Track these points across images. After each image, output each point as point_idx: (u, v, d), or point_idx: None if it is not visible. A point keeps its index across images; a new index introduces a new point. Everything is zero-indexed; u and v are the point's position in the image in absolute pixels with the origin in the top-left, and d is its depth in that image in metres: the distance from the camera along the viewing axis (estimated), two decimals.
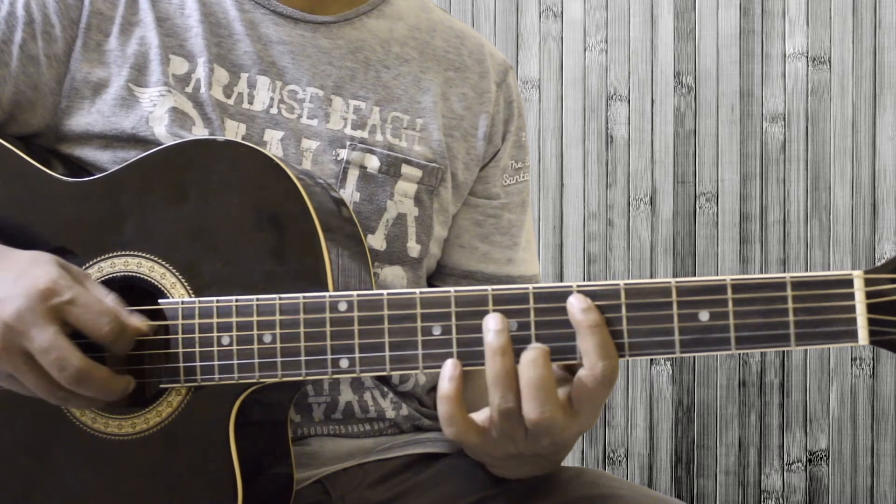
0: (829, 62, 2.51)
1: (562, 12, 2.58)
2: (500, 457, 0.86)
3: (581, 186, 2.57)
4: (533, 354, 0.79)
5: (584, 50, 2.58)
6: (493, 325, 0.79)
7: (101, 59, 0.99)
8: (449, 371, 0.80)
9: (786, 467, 2.51)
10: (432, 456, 1.07)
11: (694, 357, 2.52)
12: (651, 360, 2.54)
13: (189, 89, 1.00)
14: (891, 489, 2.48)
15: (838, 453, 2.49)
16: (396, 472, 1.04)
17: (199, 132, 0.98)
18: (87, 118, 0.98)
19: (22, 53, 0.97)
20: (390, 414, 1.05)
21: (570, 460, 2.54)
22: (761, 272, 2.52)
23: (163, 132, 0.97)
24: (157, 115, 0.98)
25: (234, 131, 1.00)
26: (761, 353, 2.49)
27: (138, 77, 0.99)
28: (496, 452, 0.84)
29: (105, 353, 0.87)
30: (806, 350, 2.48)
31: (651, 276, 2.54)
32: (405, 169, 1.05)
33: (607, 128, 2.57)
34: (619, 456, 2.54)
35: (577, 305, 0.79)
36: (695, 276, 2.50)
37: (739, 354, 2.50)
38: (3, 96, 0.97)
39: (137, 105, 0.98)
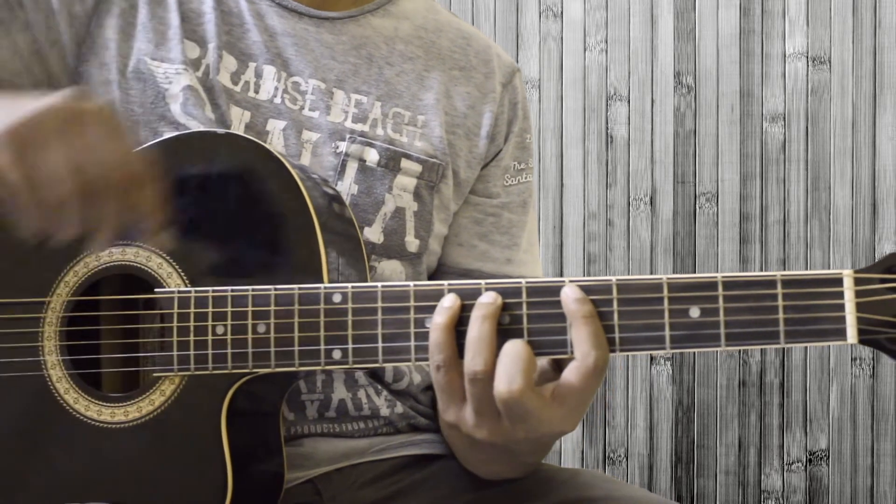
0: (829, 62, 2.52)
1: (562, 12, 2.58)
2: (471, 438, 0.84)
3: (581, 186, 2.57)
4: (517, 340, 0.80)
5: (584, 50, 2.58)
6: (484, 299, 0.81)
7: (125, 31, 1.00)
8: (447, 302, 0.81)
9: (786, 467, 2.51)
10: (428, 457, 1.07)
11: (694, 357, 2.52)
12: (651, 359, 2.54)
13: (199, 73, 1.00)
14: (891, 489, 2.48)
15: (838, 453, 2.49)
16: (390, 472, 1.04)
17: (209, 115, 0.99)
18: (104, 85, 0.98)
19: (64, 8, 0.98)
20: (385, 412, 1.05)
21: (570, 460, 2.54)
22: (761, 272, 2.51)
23: (178, 110, 0.97)
24: (172, 93, 0.98)
25: (238, 118, 1.00)
26: (761, 352, 2.50)
27: (156, 52, 0.99)
28: (466, 429, 0.83)
29: (100, 341, 0.88)
30: (806, 349, 2.48)
31: None
32: (405, 163, 1.05)
33: (607, 128, 2.57)
34: (619, 456, 2.54)
35: (571, 296, 0.79)
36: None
37: (739, 354, 2.50)
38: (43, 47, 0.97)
39: (153, 80, 0.99)
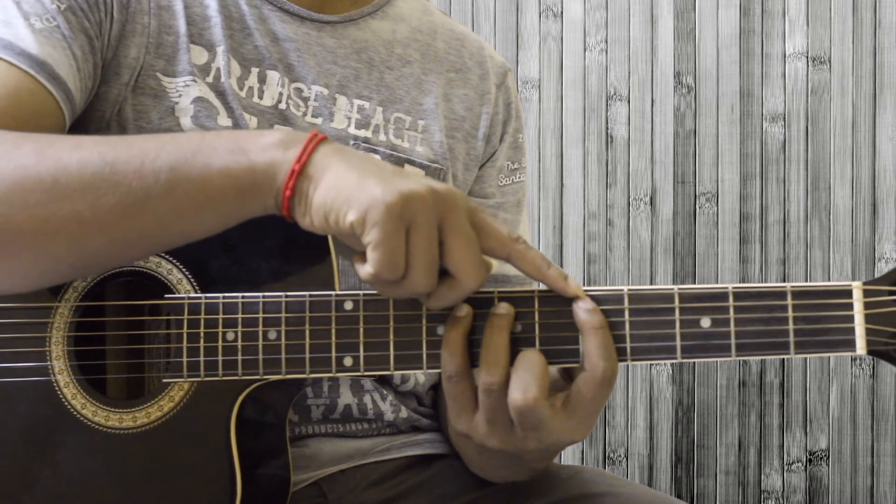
0: (829, 62, 2.52)
1: (562, 12, 2.58)
2: (482, 446, 0.84)
3: (581, 186, 2.57)
4: (531, 349, 0.80)
5: (584, 50, 2.58)
6: (498, 310, 0.81)
7: (137, 44, 0.98)
8: (460, 312, 0.81)
9: (786, 467, 2.51)
10: (430, 457, 1.07)
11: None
12: None
13: (210, 79, 0.99)
14: (891, 489, 2.48)
15: (838, 453, 2.50)
16: (394, 473, 1.04)
17: (224, 122, 0.98)
18: (115, 105, 0.97)
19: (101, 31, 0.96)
20: (389, 417, 1.05)
21: (570, 460, 2.54)
22: (761, 272, 2.52)
23: (188, 123, 0.96)
24: (182, 106, 0.97)
25: (246, 124, 1.00)
26: None
27: (166, 66, 0.98)
28: (478, 438, 0.83)
29: (107, 347, 0.87)
30: None
31: (651, 276, 2.55)
32: (408, 169, 1.05)
33: (607, 128, 2.57)
34: (619, 456, 2.54)
35: (582, 307, 0.80)
36: (695, 275, 2.51)
37: None
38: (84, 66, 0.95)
39: (165, 95, 0.97)
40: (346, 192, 0.75)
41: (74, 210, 0.77)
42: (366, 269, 0.76)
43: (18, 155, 0.78)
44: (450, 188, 0.77)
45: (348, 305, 0.83)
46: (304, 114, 1.03)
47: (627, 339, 0.80)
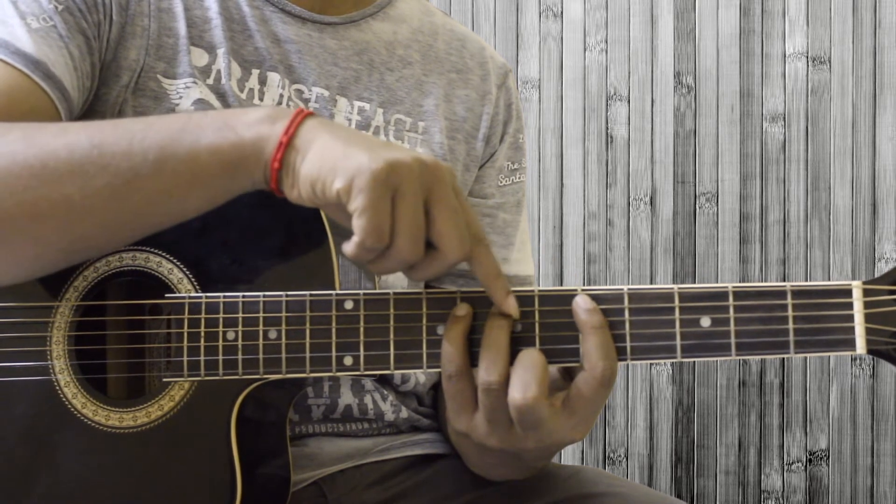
0: (829, 62, 2.52)
1: (562, 12, 2.58)
2: (481, 445, 0.85)
3: (581, 186, 2.57)
4: (531, 348, 0.80)
5: (584, 50, 2.58)
6: (505, 308, 0.81)
7: (137, 46, 0.98)
8: (460, 311, 0.81)
9: (786, 467, 2.51)
10: (430, 457, 1.07)
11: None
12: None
13: (210, 81, 0.99)
14: (891, 489, 2.48)
15: (838, 453, 2.50)
16: (394, 473, 1.04)
17: None
18: (115, 106, 0.97)
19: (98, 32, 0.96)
20: (389, 417, 1.05)
21: (570, 460, 2.54)
22: (761, 272, 2.52)
23: None
24: (182, 108, 0.97)
25: None
26: None
27: (166, 69, 0.98)
28: (477, 437, 0.83)
29: (107, 346, 0.87)
30: None
31: (651, 276, 2.55)
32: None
33: (607, 128, 2.57)
34: (619, 456, 2.54)
35: (582, 306, 0.80)
36: (695, 275, 2.51)
37: None
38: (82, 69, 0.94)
39: (165, 97, 0.97)
40: (332, 162, 0.75)
41: (64, 194, 0.77)
42: (351, 241, 0.76)
43: (6, 142, 0.79)
44: (437, 160, 0.77)
45: (348, 305, 0.83)
46: None
47: (627, 338, 0.80)
